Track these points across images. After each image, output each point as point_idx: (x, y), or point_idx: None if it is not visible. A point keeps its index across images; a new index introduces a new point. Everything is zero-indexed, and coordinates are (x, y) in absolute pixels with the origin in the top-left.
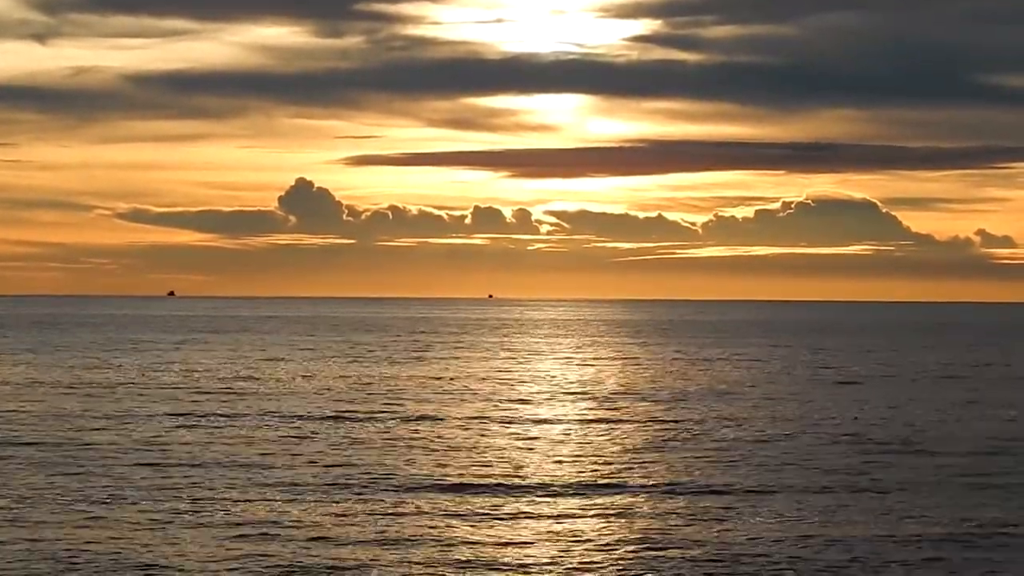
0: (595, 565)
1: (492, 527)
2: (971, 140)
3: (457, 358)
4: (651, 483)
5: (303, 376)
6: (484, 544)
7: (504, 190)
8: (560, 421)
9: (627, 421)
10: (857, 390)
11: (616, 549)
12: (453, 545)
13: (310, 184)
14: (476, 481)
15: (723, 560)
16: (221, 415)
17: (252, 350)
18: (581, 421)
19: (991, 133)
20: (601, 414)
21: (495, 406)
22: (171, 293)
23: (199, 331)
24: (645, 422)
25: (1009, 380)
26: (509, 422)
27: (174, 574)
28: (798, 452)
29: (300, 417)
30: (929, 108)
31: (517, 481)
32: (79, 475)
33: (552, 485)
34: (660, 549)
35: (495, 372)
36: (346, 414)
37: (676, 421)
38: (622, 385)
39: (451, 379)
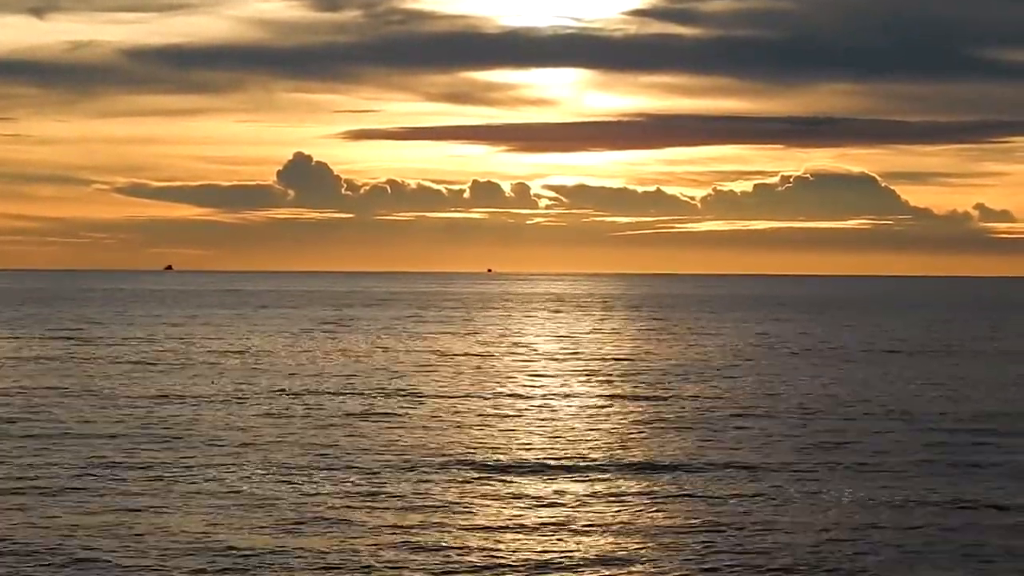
0: (602, 547)
1: (488, 505)
2: (969, 114)
3: (462, 332)
4: (650, 461)
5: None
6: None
7: (502, 164)
8: (574, 397)
9: (629, 397)
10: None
11: (618, 528)
12: (461, 524)
13: (308, 158)
14: (467, 458)
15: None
16: (211, 391)
17: (253, 324)
18: (595, 398)
19: (989, 107)
20: (609, 391)
21: (497, 382)
22: (169, 267)
23: (199, 306)
24: (644, 399)
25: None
26: (510, 397)
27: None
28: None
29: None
30: (927, 82)
31: (510, 460)
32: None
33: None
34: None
35: (496, 346)
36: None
37: (678, 397)
38: (626, 360)
39: (454, 354)
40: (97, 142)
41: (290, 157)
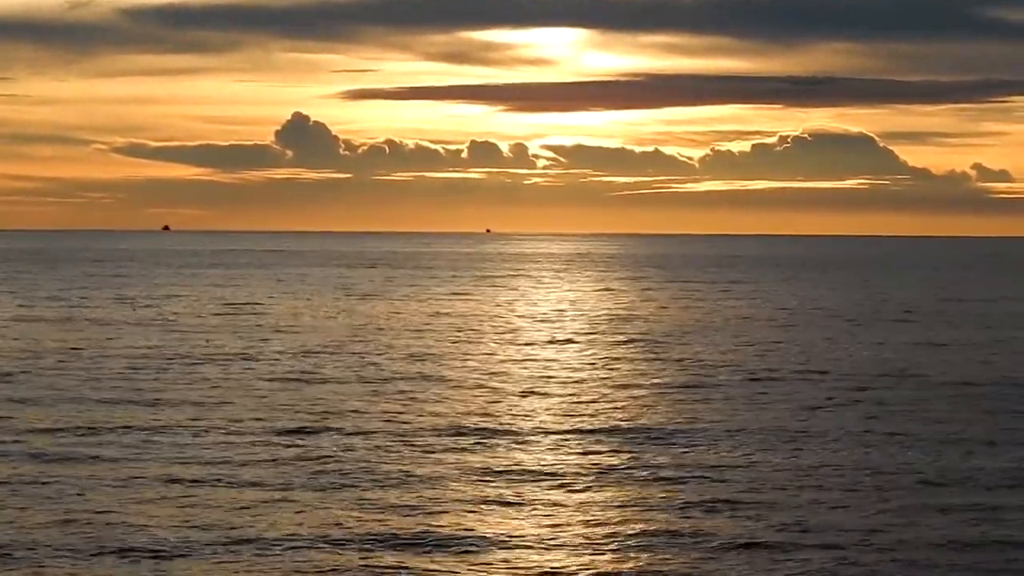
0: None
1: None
2: (969, 74)
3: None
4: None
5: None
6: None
7: (500, 124)
8: (576, 357)
9: (630, 359)
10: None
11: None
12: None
13: (307, 118)
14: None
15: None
16: (205, 354)
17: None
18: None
19: (989, 67)
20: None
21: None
22: (166, 227)
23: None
24: (645, 360)
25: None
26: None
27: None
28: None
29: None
30: (927, 42)
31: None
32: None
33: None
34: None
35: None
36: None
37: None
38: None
39: (454, 315)
40: (95, 102)
41: (288, 117)
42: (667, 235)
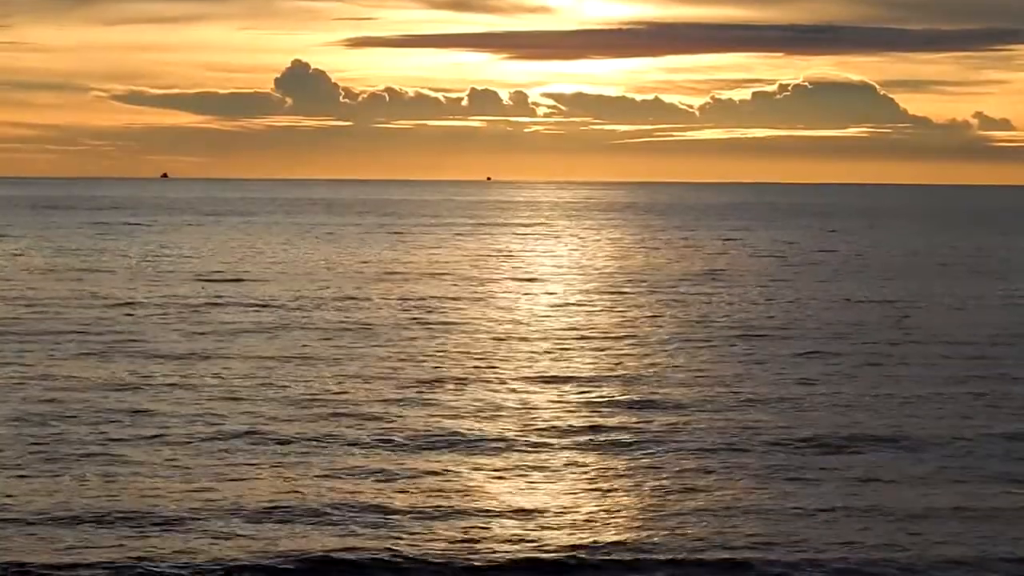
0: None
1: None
2: (970, 22)
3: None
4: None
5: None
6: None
7: (501, 72)
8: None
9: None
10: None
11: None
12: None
13: (307, 66)
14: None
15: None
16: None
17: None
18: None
19: (991, 15)
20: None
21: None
22: (165, 175)
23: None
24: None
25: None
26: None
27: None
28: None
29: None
30: None
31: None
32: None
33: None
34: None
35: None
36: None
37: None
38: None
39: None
40: (95, 49)
41: (288, 65)
42: (668, 183)
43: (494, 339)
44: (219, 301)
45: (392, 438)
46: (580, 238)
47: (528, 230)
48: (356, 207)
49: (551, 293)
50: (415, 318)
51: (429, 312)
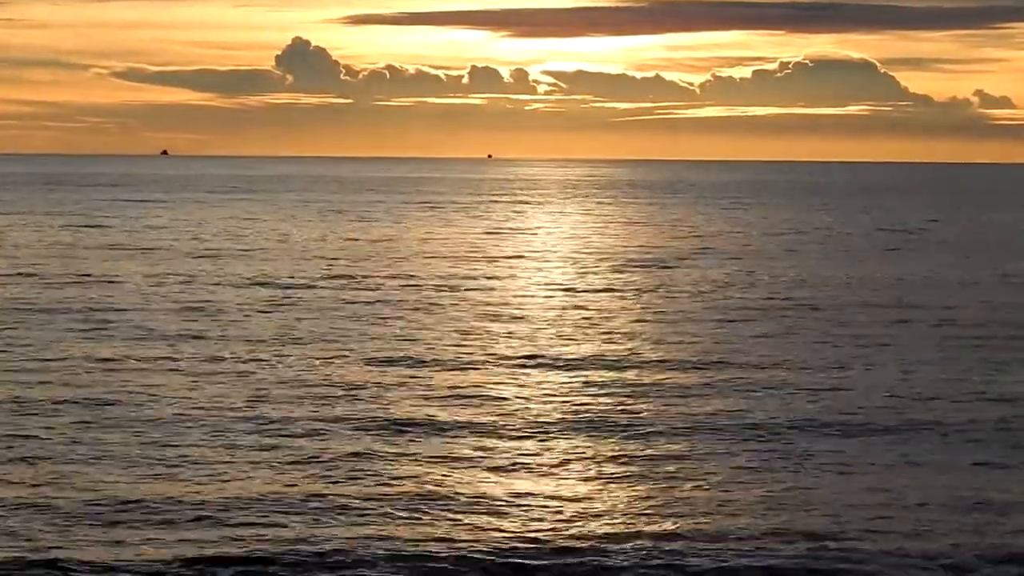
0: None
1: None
2: (971, 0)
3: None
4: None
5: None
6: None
7: (501, 50)
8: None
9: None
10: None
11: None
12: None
13: (307, 43)
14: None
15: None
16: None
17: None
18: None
19: None
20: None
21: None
22: (164, 152)
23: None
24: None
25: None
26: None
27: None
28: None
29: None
30: None
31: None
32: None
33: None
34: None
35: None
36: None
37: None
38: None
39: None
40: (95, 26)
41: (288, 42)
42: (669, 161)
43: (506, 320)
44: (212, 279)
45: (383, 422)
46: (585, 215)
47: (534, 207)
48: (364, 185)
49: (561, 272)
50: (414, 297)
51: (431, 291)
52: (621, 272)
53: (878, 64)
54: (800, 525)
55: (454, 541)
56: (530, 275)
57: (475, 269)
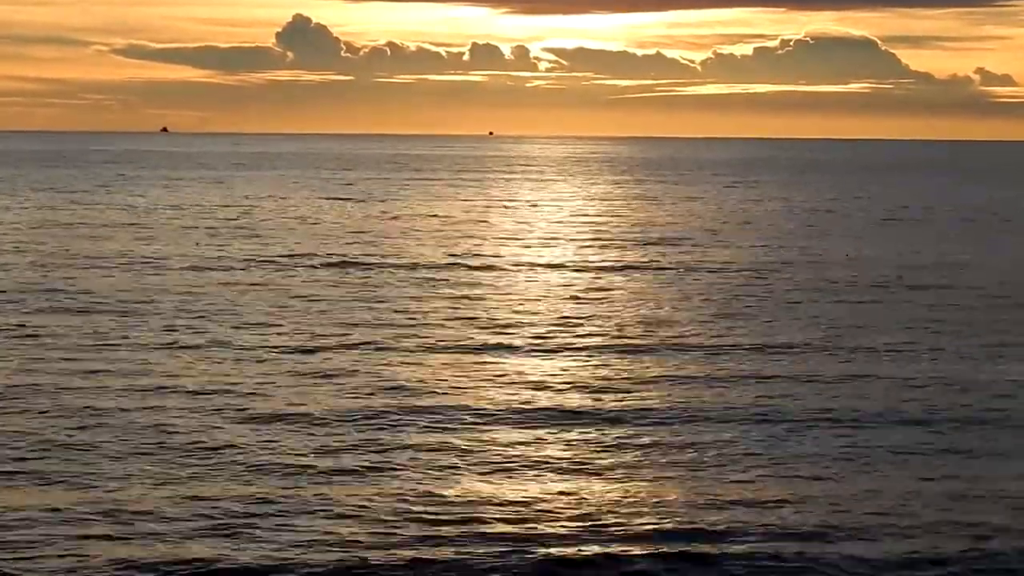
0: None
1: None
2: None
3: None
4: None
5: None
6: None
7: (502, 27)
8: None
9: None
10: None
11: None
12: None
13: (308, 20)
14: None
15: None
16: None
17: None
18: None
19: None
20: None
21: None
22: (164, 129)
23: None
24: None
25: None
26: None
27: None
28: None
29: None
30: None
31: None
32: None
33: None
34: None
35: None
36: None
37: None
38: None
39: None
40: (96, 3)
41: (289, 19)
42: (670, 138)
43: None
44: (218, 258)
45: (386, 411)
46: (584, 194)
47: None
48: (366, 162)
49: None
50: (414, 278)
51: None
52: (657, 248)
53: (879, 41)
54: (800, 520)
55: (454, 541)
56: (563, 254)
57: (518, 250)
